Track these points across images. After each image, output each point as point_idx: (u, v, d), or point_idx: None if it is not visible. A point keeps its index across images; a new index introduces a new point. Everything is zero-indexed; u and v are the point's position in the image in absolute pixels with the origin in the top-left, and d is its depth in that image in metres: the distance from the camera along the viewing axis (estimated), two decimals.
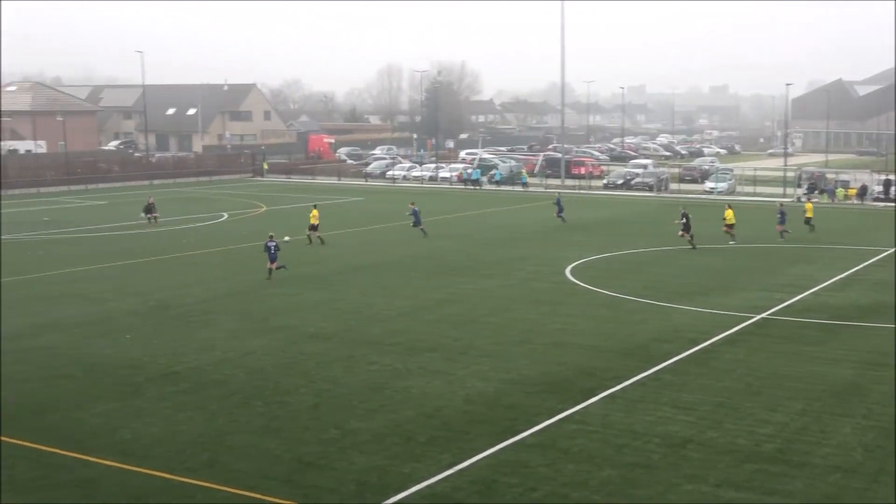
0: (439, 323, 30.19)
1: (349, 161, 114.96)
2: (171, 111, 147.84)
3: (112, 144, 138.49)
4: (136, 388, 23.32)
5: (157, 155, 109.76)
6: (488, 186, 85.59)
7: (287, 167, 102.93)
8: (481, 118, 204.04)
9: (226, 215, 61.77)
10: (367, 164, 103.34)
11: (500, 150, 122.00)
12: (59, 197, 77.44)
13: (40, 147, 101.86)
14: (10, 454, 19.00)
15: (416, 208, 51.91)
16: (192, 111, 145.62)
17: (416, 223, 51.49)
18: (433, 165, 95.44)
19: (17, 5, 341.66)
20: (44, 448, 19.18)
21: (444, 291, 35.39)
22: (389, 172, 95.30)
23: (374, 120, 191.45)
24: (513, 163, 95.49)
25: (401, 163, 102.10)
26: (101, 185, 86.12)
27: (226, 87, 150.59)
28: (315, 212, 49.71)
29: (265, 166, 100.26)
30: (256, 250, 46.51)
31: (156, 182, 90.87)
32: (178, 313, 31.81)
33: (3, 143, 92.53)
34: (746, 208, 63.25)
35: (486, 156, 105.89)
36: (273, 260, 38.42)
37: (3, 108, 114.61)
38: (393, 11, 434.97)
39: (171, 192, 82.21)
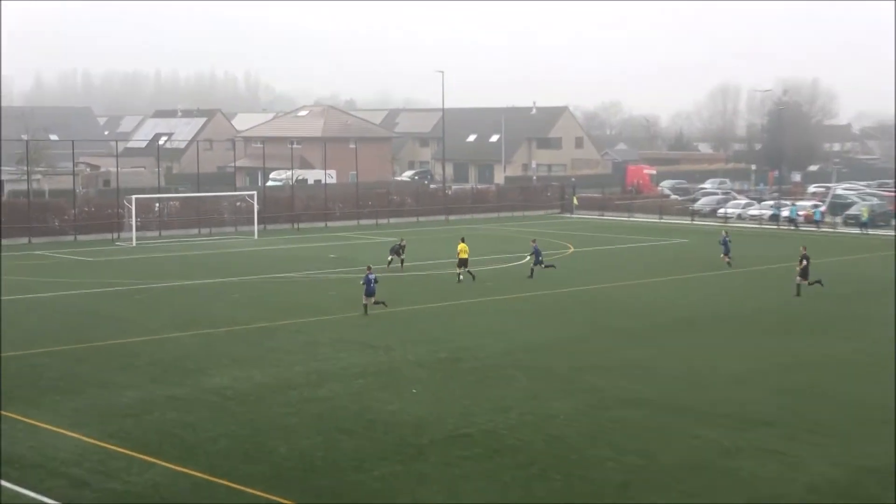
0: (779, 393, 29.03)
1: (673, 196, 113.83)
2: (471, 138, 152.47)
3: (406, 175, 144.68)
4: (421, 450, 23.67)
5: (454, 187, 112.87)
6: (807, 227, 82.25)
7: (600, 202, 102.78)
8: (836, 146, 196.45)
9: (528, 256, 63.23)
10: (695, 200, 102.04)
11: (858, 186, 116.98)
12: (347, 232, 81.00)
13: (330, 177, 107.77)
14: None
15: (537, 246, 52.72)
16: (494, 138, 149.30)
17: (537, 262, 52.33)
18: (774, 202, 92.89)
19: (309, 26, 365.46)
20: None
21: (787, 354, 34.16)
22: (721, 210, 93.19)
23: (704, 148, 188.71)
24: (875, 200, 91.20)
25: (735, 198, 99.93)
26: (392, 220, 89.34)
27: (534, 111, 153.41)
28: (463, 245, 51.82)
29: (575, 201, 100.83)
30: (562, 297, 47.06)
31: (451, 217, 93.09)
32: (471, 367, 32.21)
33: (293, 172, 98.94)
34: None
35: (840, 191, 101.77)
36: (370, 294, 41.57)
37: (294, 136, 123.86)
38: (729, 22, 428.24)
39: (469, 228, 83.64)
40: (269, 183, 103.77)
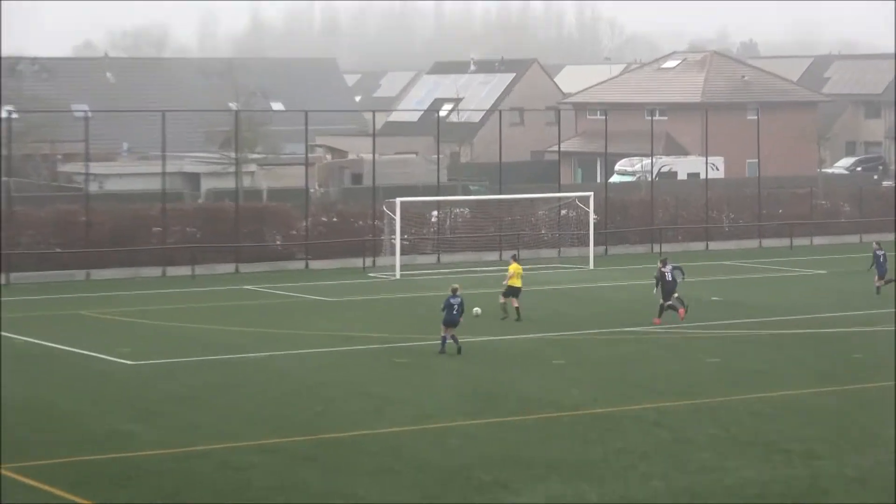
0: None
1: None
2: None
3: (841, 164, 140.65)
4: None
5: None
6: None
7: None
8: None
9: None
10: None
11: None
12: (734, 259, 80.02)
13: (715, 169, 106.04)
14: None
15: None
16: None
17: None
18: None
19: None
20: None
21: None
22: None
23: None
24: None
25: None
26: (815, 240, 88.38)
27: None
28: (515, 266, 56.88)
29: None
30: None
31: None
32: None
33: (653, 159, 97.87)
34: None
35: None
36: (451, 324, 48.30)
37: (656, 101, 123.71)
38: None
39: None
40: (614, 178, 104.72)
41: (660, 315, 56.09)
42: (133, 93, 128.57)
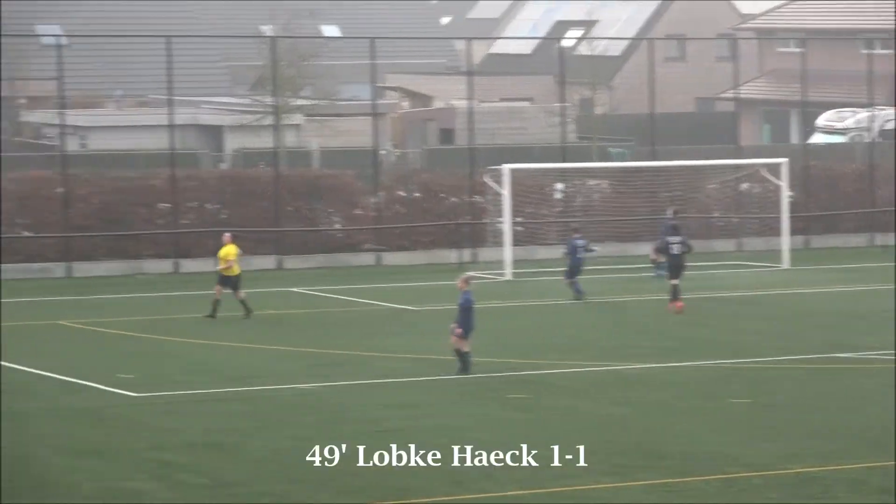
0: None
1: None
2: None
3: None
4: None
5: None
6: None
7: None
8: None
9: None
10: None
11: None
12: None
13: None
14: None
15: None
16: None
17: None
18: None
19: None
20: None
21: None
22: None
23: None
24: None
25: None
26: None
27: None
28: (229, 249, 61.18)
29: None
30: None
31: None
32: None
33: (871, 113, 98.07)
34: None
35: None
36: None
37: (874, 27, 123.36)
38: None
39: None
40: (817, 137, 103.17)
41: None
42: (125, 11, 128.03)
